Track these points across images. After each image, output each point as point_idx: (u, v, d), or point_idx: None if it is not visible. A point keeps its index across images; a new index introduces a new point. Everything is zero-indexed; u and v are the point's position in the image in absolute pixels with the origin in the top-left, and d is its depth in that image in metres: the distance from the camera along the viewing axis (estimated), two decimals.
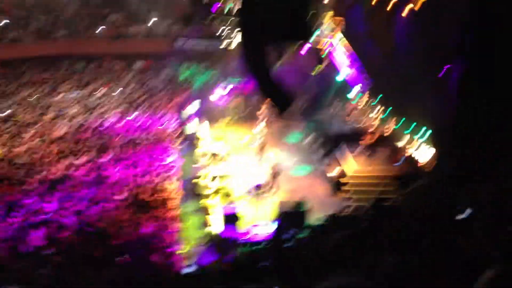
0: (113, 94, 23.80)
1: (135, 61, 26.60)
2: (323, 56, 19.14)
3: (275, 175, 17.49)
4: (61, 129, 19.52)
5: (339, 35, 19.29)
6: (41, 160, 16.87)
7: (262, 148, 19.65)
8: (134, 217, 13.61)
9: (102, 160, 17.21)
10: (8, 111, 20.78)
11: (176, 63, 26.92)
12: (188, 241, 14.79)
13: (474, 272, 2.86)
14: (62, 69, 25.09)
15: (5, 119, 20.06)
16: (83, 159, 17.20)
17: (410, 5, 17.14)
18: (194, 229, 15.57)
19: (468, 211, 6.18)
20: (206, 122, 21.72)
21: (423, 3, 15.49)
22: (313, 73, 18.86)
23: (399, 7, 18.36)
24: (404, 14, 17.60)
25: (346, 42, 19.27)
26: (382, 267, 3.66)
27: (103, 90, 23.85)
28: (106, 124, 20.71)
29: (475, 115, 13.14)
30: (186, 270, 7.45)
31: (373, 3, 18.95)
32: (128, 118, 21.48)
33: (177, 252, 13.07)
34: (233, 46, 21.06)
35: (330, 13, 20.42)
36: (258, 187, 16.18)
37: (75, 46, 25.35)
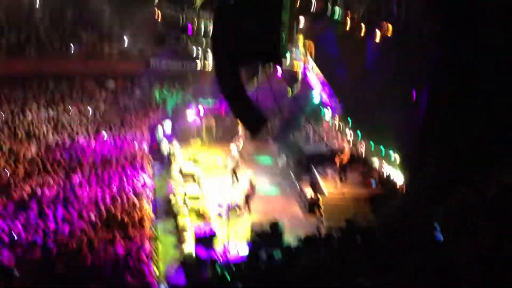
0: (85, 113, 23.57)
1: (107, 80, 26.44)
2: (296, 79, 19.48)
3: (248, 196, 17.58)
4: (31, 149, 19.19)
5: (310, 58, 19.73)
6: (9, 179, 16.53)
7: (235, 168, 19.74)
8: (106, 236, 13.42)
9: (73, 179, 16.96)
10: None
11: (149, 84, 26.93)
12: (162, 260, 14.67)
13: None
14: (33, 88, 24.72)
15: None
16: (54, 178, 16.93)
17: (380, 31, 17.70)
18: (168, 248, 15.46)
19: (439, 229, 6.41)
20: (179, 143, 21.72)
21: (393, 29, 16.03)
22: (288, 95, 19.16)
23: (369, 33, 18.95)
24: (374, 39, 18.14)
25: (316, 66, 19.71)
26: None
27: (74, 110, 23.59)
28: (78, 143, 20.45)
29: (444, 137, 13.60)
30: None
31: (346, 28, 19.50)
32: (100, 137, 21.29)
33: (151, 272, 12.94)
34: (207, 67, 21.24)
35: (301, 36, 20.87)
36: (231, 207, 16.22)
37: (47, 64, 25.06)
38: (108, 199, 15.73)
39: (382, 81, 18.18)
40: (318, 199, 17.65)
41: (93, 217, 14.36)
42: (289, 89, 19.70)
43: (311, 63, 19.64)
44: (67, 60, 25.69)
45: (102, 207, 15.08)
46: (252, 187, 17.74)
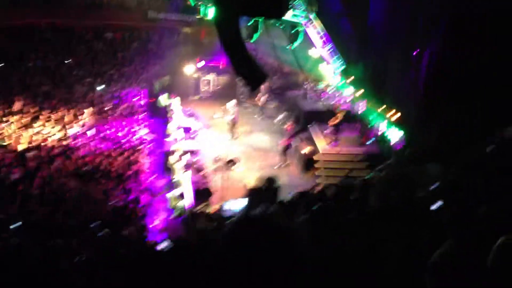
0: (83, 65, 23.27)
1: (106, 31, 25.98)
2: (298, 34, 19.13)
3: (245, 151, 17.64)
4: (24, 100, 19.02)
5: (313, 13, 19.30)
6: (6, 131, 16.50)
7: (233, 124, 19.71)
8: (104, 188, 13.54)
9: (71, 131, 16.95)
10: None
11: (149, 35, 26.50)
12: (160, 214, 14.85)
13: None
14: (30, 39, 24.29)
15: None
16: (54, 129, 16.92)
17: None
18: (164, 202, 15.62)
19: (432, 189, 6.42)
20: (178, 97, 21.58)
21: None
22: (288, 50, 18.85)
23: None
24: None
25: (320, 21, 19.32)
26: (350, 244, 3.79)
27: (72, 61, 23.28)
28: (76, 95, 20.31)
29: (444, 98, 13.53)
30: (160, 246, 7.47)
31: None
32: (98, 89, 21.09)
33: (148, 225, 13.13)
34: (207, 20, 20.80)
35: None
36: (229, 162, 16.26)
37: (44, 15, 24.54)
38: (105, 152, 15.78)
39: (385, 37, 17.90)
40: (316, 155, 17.72)
41: (91, 169, 14.44)
42: (290, 44, 19.36)
43: (314, 18, 19.25)
44: (65, 11, 25.13)
45: (100, 159, 15.14)
46: (251, 142, 17.72)
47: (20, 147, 15.40)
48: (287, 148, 17.94)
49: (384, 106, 17.39)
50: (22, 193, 12.81)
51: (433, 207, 4.35)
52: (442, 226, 3.47)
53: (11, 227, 11.16)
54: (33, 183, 13.32)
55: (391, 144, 16.50)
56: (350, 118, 18.42)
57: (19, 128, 16.70)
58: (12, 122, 16.93)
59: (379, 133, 17.49)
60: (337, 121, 17.82)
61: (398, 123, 16.40)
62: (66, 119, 17.96)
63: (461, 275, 2.29)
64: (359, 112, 18.62)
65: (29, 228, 11.15)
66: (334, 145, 17.80)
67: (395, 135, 16.29)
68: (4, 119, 17.28)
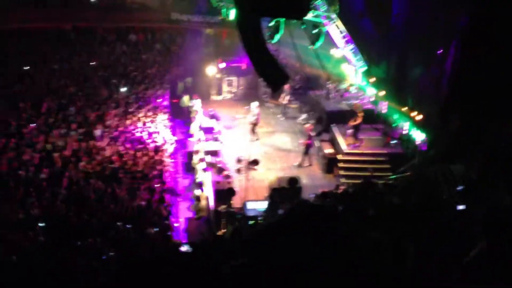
0: (106, 66, 23.60)
1: (129, 33, 26.30)
2: (320, 34, 19.08)
3: (267, 151, 17.65)
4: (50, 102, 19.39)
5: (335, 13, 19.24)
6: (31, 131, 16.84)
7: (255, 125, 19.74)
8: (128, 188, 13.72)
9: (96, 132, 17.21)
10: None
11: (172, 37, 26.72)
12: (183, 214, 15.01)
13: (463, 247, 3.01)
14: (53, 40, 24.74)
15: None
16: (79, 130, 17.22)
17: None
18: (187, 203, 15.78)
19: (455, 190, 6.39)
20: (200, 98, 21.72)
21: None
22: (311, 49, 18.80)
23: None
24: None
25: (341, 21, 19.25)
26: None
27: (96, 63, 23.62)
28: (100, 96, 20.58)
29: (467, 100, 13.36)
30: (183, 248, 7.53)
31: None
32: (122, 90, 21.33)
33: (170, 224, 13.27)
34: (229, 19, 20.89)
35: None
36: (251, 163, 16.30)
37: (67, 16, 24.95)
38: (130, 152, 15.99)
39: (407, 38, 17.74)
40: (338, 156, 17.64)
41: (115, 170, 14.65)
42: (312, 44, 19.32)
43: (336, 18, 19.17)
44: (88, 12, 25.50)
45: (124, 160, 15.36)
46: (273, 143, 17.69)
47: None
48: (308, 148, 17.90)
49: (407, 106, 17.24)
50: (49, 193, 13.08)
51: (459, 207, 4.33)
52: (464, 227, 3.46)
53: (38, 225, 11.42)
54: (60, 183, 13.59)
55: (415, 144, 16.33)
56: (373, 118, 18.28)
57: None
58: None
59: (403, 133, 17.33)
60: (357, 121, 17.70)
61: (421, 124, 16.22)
62: (91, 120, 18.24)
63: (498, 273, 2.29)
64: (382, 113, 18.47)
65: (56, 227, 11.40)
66: (356, 146, 17.69)
67: (418, 135, 16.11)
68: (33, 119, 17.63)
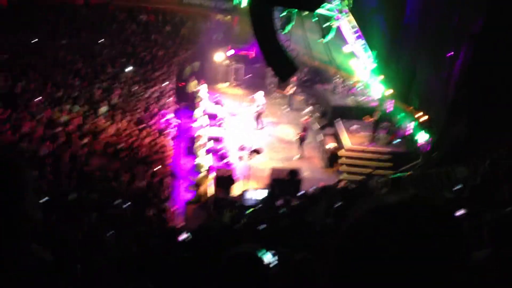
0: (115, 45, 23.51)
1: (140, 13, 26.18)
2: (331, 28, 19.00)
3: (270, 141, 17.67)
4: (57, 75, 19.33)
5: (347, 8, 19.16)
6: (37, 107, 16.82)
7: (260, 114, 19.73)
8: (129, 170, 13.74)
9: (102, 110, 17.21)
10: None
11: (183, 20, 26.59)
12: (183, 198, 15.04)
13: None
14: (67, 16, 24.66)
15: None
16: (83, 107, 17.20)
17: None
18: (189, 187, 15.80)
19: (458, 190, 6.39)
20: (206, 83, 21.68)
21: None
22: (321, 42, 18.72)
23: None
24: None
25: (353, 17, 19.16)
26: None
27: (106, 41, 23.53)
28: (107, 75, 20.52)
29: (474, 104, 13.33)
30: (183, 237, 7.57)
31: None
32: (128, 69, 21.24)
33: (169, 208, 13.31)
34: (241, 6, 20.82)
35: None
36: (253, 152, 16.32)
37: None
38: (133, 133, 16.00)
39: (418, 38, 17.64)
40: (341, 151, 17.65)
41: (118, 149, 14.67)
42: (322, 38, 19.24)
43: (348, 13, 19.08)
44: None
45: (127, 140, 15.37)
46: (276, 133, 17.72)
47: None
48: (302, 140, 17.92)
49: (412, 106, 17.20)
50: (50, 168, 13.09)
51: (458, 213, 4.33)
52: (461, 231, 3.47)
53: (39, 201, 11.44)
54: (62, 159, 13.61)
55: (419, 145, 16.32)
56: (378, 116, 18.29)
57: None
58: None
59: (407, 133, 17.31)
60: (367, 118, 17.69)
61: (426, 125, 16.20)
62: (97, 97, 18.22)
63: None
64: (387, 111, 18.43)
65: (56, 202, 11.42)
66: (368, 145, 17.67)
67: (422, 136, 16.10)
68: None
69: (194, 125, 18.90)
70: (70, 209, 10.86)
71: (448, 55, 15.47)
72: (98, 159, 13.93)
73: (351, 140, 17.86)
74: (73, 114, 16.57)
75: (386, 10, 19.16)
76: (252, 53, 23.41)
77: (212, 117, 19.60)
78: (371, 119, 17.67)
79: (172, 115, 18.69)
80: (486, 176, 5.09)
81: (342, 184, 13.75)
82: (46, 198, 11.04)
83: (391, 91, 18.49)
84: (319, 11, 17.73)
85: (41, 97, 17.08)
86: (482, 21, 13.60)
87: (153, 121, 17.40)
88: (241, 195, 14.20)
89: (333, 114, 19.68)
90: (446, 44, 15.58)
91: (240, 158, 16.76)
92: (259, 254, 2.29)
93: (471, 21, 14.20)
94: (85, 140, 14.86)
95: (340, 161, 17.50)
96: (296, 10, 18.03)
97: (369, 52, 19.44)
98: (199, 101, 20.55)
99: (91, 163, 13.67)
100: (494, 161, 5.67)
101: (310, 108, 21.32)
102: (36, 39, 21.90)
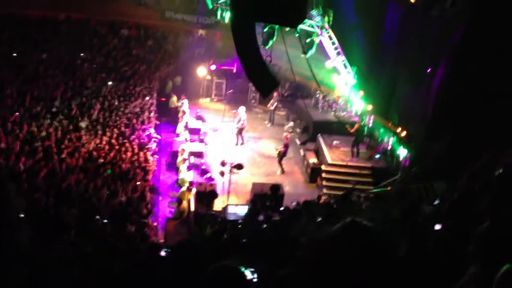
0: (96, 59, 23.34)
1: (121, 27, 26.08)
2: (312, 44, 19.19)
3: (252, 156, 17.67)
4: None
5: (328, 25, 19.40)
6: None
7: (242, 129, 19.73)
8: (109, 185, 13.56)
9: (82, 124, 17.01)
10: None
11: (164, 35, 26.59)
12: (163, 214, 14.89)
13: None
14: (48, 31, 24.44)
15: None
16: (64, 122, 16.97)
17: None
18: (170, 202, 15.67)
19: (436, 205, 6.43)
20: (187, 99, 21.64)
21: (416, 2, 15.63)
22: (303, 57, 18.86)
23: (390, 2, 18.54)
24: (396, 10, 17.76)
25: (334, 33, 19.40)
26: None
27: (86, 55, 23.36)
28: (87, 90, 20.31)
29: (452, 120, 13.52)
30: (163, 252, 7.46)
31: None
32: (110, 84, 21.08)
33: (150, 224, 13.16)
34: (223, 24, 20.93)
35: (321, 2, 20.45)
36: (234, 167, 16.29)
37: (61, 6, 24.70)
38: (114, 148, 15.83)
39: (397, 54, 17.90)
40: (322, 166, 17.71)
41: (98, 164, 14.48)
42: (304, 53, 19.40)
43: (329, 30, 19.32)
44: (81, 4, 25.26)
45: (108, 155, 15.19)
46: (257, 148, 17.74)
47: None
48: (282, 156, 17.95)
49: (392, 122, 17.39)
50: (28, 183, 12.85)
51: (437, 227, 4.36)
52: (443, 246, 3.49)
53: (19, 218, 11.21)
54: (39, 174, 13.37)
55: (398, 160, 16.47)
56: (359, 131, 18.43)
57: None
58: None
59: (387, 148, 17.48)
60: (348, 133, 17.84)
61: (406, 140, 16.37)
62: (76, 112, 18.01)
63: None
64: (368, 126, 18.60)
65: (33, 218, 11.20)
66: (349, 160, 17.79)
67: (402, 151, 16.26)
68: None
69: (176, 140, 18.81)
70: (48, 226, 10.67)
71: (428, 70, 15.72)
72: (77, 175, 13.71)
73: (332, 155, 17.96)
74: (52, 129, 16.34)
75: (365, 26, 19.42)
76: (234, 68, 23.48)
77: (194, 132, 19.54)
78: (353, 129, 17.79)
79: (153, 130, 18.58)
80: (463, 190, 5.13)
81: (322, 199, 13.78)
82: (22, 215, 10.82)
83: (371, 106, 18.69)
84: (301, 27, 17.87)
85: (18, 113, 16.80)
86: (459, 36, 13.87)
87: (133, 136, 17.25)
88: (223, 211, 14.12)
89: (314, 129, 19.81)
90: (425, 59, 15.83)
91: (222, 173, 16.73)
92: (241, 269, 2.28)
93: (449, 37, 14.47)
94: (64, 155, 14.64)
95: (321, 175, 17.55)
96: (278, 26, 18.17)
97: (349, 68, 19.66)
98: (181, 116, 20.50)
99: (69, 179, 13.45)
100: (472, 175, 5.73)
101: (291, 123, 21.41)
102: (15, 54, 21.68)
